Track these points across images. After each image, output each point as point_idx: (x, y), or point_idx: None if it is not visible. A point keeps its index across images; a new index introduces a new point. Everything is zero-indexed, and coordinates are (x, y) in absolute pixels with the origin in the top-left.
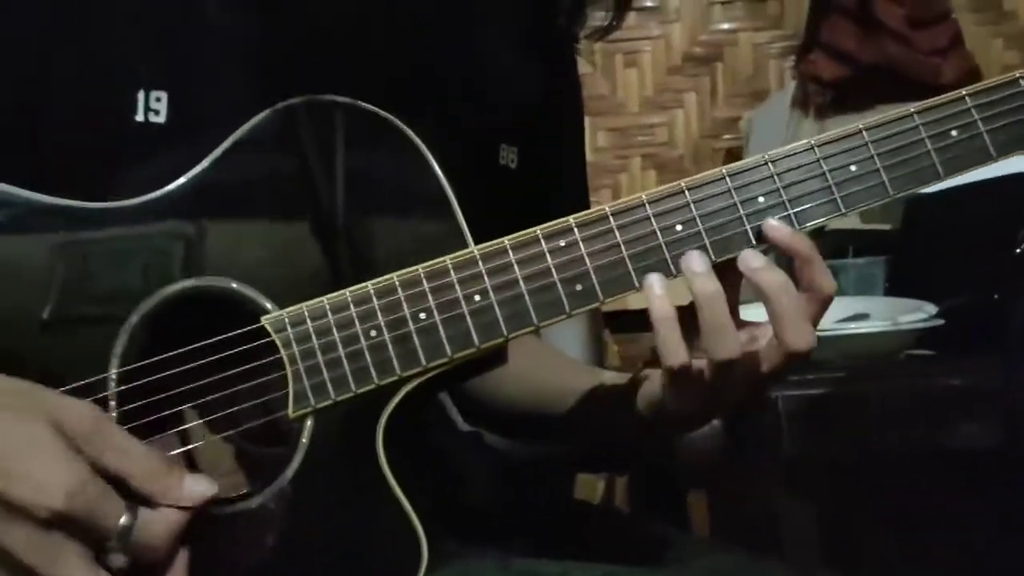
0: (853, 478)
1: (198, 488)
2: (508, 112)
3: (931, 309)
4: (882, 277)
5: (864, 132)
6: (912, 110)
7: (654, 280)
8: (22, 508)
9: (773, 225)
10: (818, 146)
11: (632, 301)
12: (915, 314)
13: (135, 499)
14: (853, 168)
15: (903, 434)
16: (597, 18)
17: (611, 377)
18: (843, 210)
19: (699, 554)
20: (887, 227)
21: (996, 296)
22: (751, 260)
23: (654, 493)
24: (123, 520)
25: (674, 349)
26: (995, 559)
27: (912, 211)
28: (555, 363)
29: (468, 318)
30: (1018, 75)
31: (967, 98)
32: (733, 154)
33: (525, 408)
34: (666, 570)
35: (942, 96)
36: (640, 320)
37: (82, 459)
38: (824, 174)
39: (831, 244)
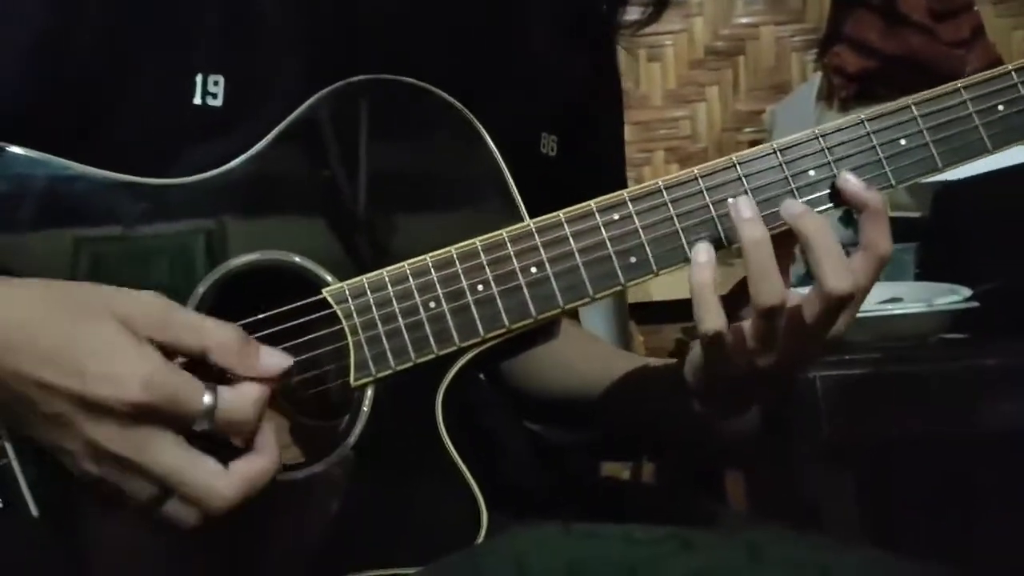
0: (889, 458)
1: (274, 360)
2: (550, 101)
3: (965, 292)
4: (912, 263)
5: (913, 107)
6: (959, 85)
7: (701, 248)
8: (104, 406)
9: (848, 178)
10: (868, 120)
11: (656, 293)
12: (949, 296)
13: (215, 379)
14: (903, 142)
15: (939, 414)
16: (633, 12)
17: (656, 362)
18: (893, 183)
19: (740, 526)
20: (917, 214)
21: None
22: (792, 207)
23: (689, 473)
24: (206, 399)
25: (709, 315)
26: None
27: (942, 198)
28: (599, 350)
29: (525, 289)
30: (1011, 68)
31: (1013, 73)
32: None
33: (571, 394)
34: (726, 537)
35: (988, 72)
36: (664, 311)
37: (152, 348)
38: (874, 147)
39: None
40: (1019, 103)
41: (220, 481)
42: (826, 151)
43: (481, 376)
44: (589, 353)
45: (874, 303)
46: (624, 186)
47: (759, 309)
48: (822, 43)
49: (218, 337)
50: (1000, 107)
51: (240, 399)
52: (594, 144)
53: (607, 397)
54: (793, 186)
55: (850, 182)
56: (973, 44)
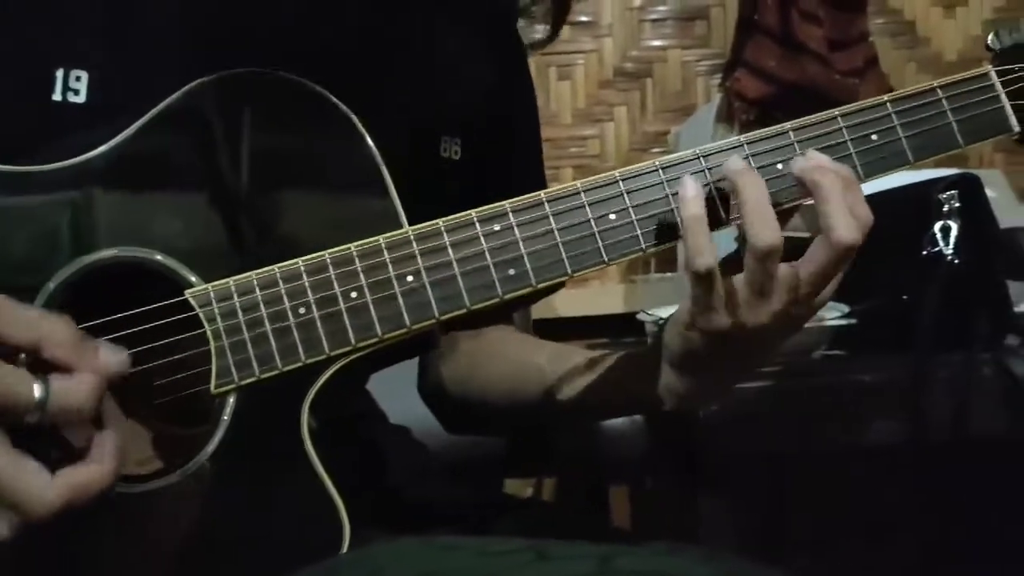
0: (771, 473)
1: (113, 357)
2: (451, 104)
3: (844, 309)
4: None
5: (792, 132)
6: (837, 113)
7: (688, 181)
8: None
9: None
10: (748, 143)
11: (561, 309)
12: (829, 313)
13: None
14: (779, 167)
15: (818, 430)
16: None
17: (609, 353)
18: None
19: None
20: (807, 235)
21: (905, 298)
22: (802, 161)
23: (579, 488)
24: (37, 391)
25: (702, 248)
26: (912, 550)
27: None
28: (546, 348)
29: (400, 298)
30: (936, 85)
31: (888, 104)
32: None
33: (528, 399)
34: (586, 545)
35: (866, 100)
36: (570, 328)
37: None
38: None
39: None
40: (892, 133)
41: (41, 485)
42: (706, 172)
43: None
44: (535, 351)
45: None
46: (541, 185)
47: (755, 253)
48: (725, 68)
49: (50, 331)
50: (874, 136)
51: (73, 387)
52: (505, 149)
53: (570, 393)
54: (675, 205)
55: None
56: (866, 74)
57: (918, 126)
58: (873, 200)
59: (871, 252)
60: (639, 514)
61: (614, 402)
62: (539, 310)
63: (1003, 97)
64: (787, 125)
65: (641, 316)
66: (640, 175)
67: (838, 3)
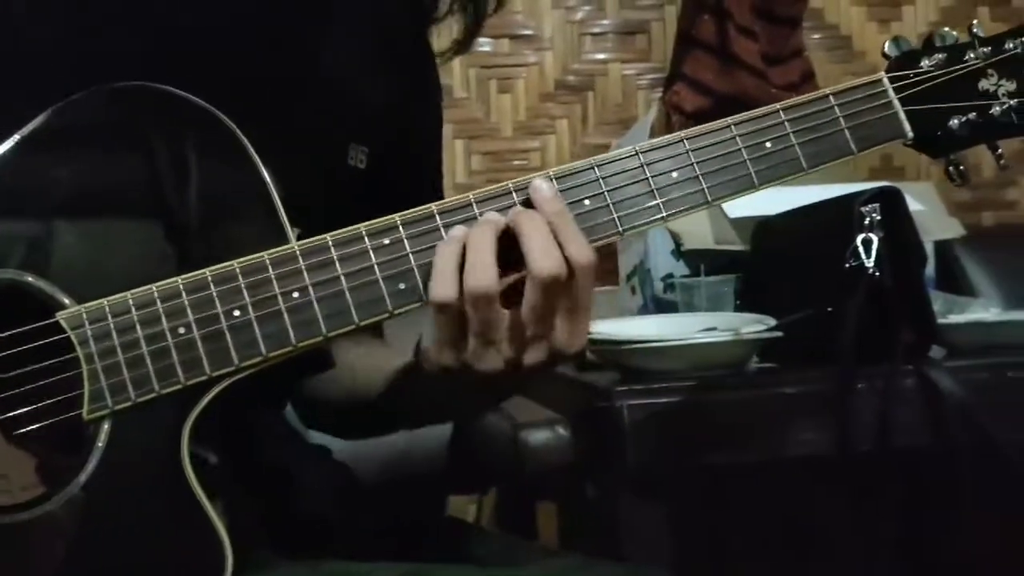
0: (698, 486)
1: None
2: (356, 113)
3: (771, 322)
4: (732, 294)
5: (686, 141)
6: (730, 122)
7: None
8: None
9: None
10: (642, 152)
11: None
12: (756, 326)
13: None
14: (675, 175)
15: (745, 442)
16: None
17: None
18: (664, 214)
19: (533, 559)
20: (740, 248)
21: (830, 310)
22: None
23: (508, 505)
24: None
25: (440, 279)
26: (840, 559)
27: (759, 232)
28: (384, 351)
29: (285, 315)
30: (828, 92)
31: (781, 112)
32: None
33: (367, 399)
34: (468, 568)
35: (760, 108)
36: None
37: None
38: (647, 179)
39: (689, 263)
40: (785, 141)
41: None
42: (600, 181)
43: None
44: (376, 355)
45: (689, 332)
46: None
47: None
48: (665, 81)
49: None
50: (768, 144)
51: None
52: (409, 157)
53: (399, 394)
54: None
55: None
56: (802, 88)
57: (811, 133)
58: (799, 214)
59: (797, 265)
60: (567, 530)
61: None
62: None
63: (896, 103)
64: (682, 134)
65: None
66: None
67: (774, 18)
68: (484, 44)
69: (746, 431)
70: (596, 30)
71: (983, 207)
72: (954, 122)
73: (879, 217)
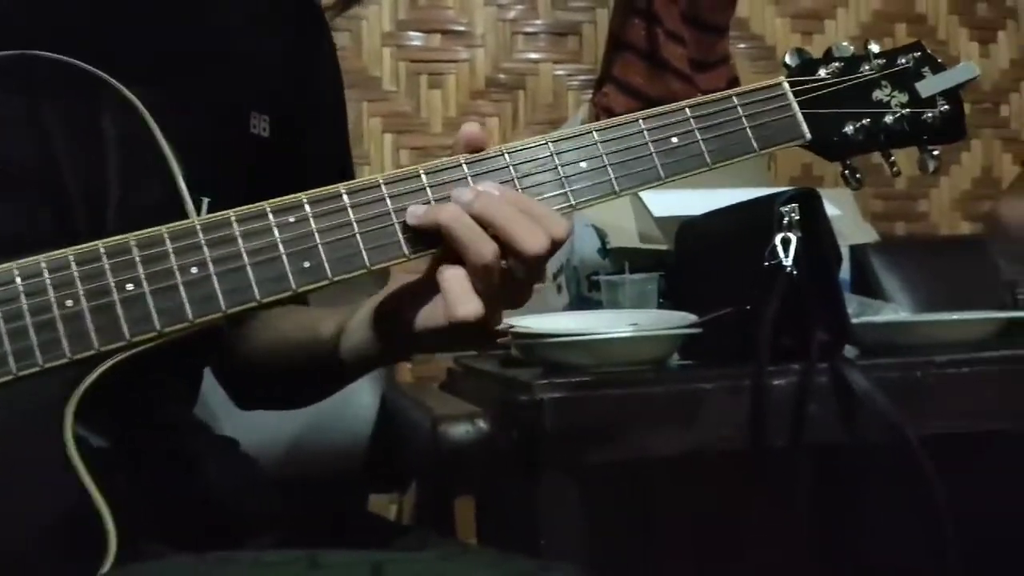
0: (615, 480)
1: None
2: (253, 79)
3: (692, 319)
4: (656, 292)
5: (595, 133)
6: (638, 116)
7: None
8: None
9: (413, 211)
10: (552, 141)
11: None
12: (677, 323)
13: None
14: (583, 165)
15: (663, 437)
16: None
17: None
18: (572, 202)
19: (424, 547)
20: (664, 247)
21: (748, 307)
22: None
23: (427, 502)
24: None
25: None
26: (755, 555)
27: (683, 232)
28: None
29: (182, 290)
30: (732, 93)
31: (687, 109)
32: None
33: (306, 364)
34: (364, 552)
35: (668, 105)
36: None
37: None
38: (557, 168)
39: (615, 261)
40: (690, 137)
41: None
42: (511, 168)
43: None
44: (300, 318)
45: (610, 328)
46: (349, 171)
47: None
48: (596, 83)
49: None
50: (674, 139)
51: None
52: (312, 126)
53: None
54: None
55: (415, 215)
56: None
57: (715, 131)
58: (721, 214)
59: (719, 264)
60: (485, 526)
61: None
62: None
63: (795, 106)
64: (592, 126)
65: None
66: (443, 170)
67: (701, 25)
68: (415, 38)
69: (664, 426)
70: (528, 29)
71: (896, 217)
72: (849, 128)
73: (798, 217)
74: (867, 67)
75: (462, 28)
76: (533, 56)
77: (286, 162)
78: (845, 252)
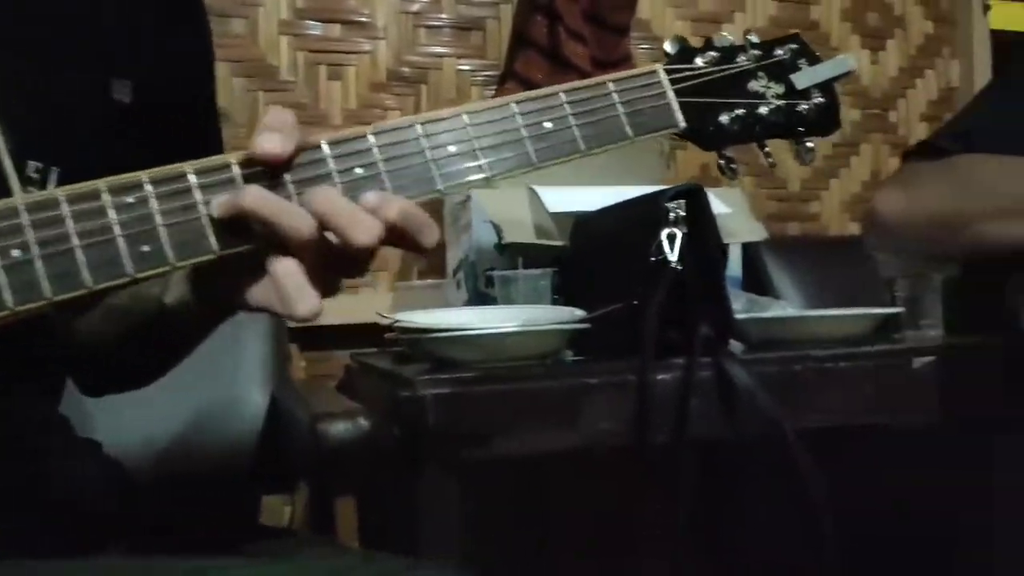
0: (501, 477)
1: None
2: (115, 43)
3: (580, 313)
4: (550, 288)
5: (465, 116)
6: (511, 100)
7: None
8: None
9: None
10: (421, 124)
11: (325, 316)
12: (565, 318)
13: None
14: (452, 148)
15: (546, 433)
16: None
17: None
18: (440, 188)
19: (298, 551)
20: (560, 243)
21: (636, 303)
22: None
23: (313, 504)
24: None
25: None
26: (642, 549)
27: (577, 227)
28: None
29: (2, 274)
30: (608, 79)
31: (562, 94)
32: None
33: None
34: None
35: (542, 90)
36: (332, 337)
37: None
38: (423, 151)
39: (510, 256)
40: (564, 122)
41: None
42: (375, 149)
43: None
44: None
45: (498, 323)
46: (216, 144)
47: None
48: (498, 79)
49: None
50: (547, 124)
51: None
52: (178, 95)
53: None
54: (339, 180)
55: (219, 205)
56: None
57: (589, 116)
58: (614, 210)
59: (610, 260)
60: (368, 527)
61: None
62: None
63: (670, 94)
64: (462, 108)
65: (381, 318)
66: (310, 148)
67: (603, 25)
68: (314, 27)
69: (549, 422)
70: (432, 23)
71: (789, 218)
72: (725, 118)
73: (684, 213)
74: (744, 58)
75: (364, 19)
76: (437, 50)
77: (149, 130)
78: (737, 251)
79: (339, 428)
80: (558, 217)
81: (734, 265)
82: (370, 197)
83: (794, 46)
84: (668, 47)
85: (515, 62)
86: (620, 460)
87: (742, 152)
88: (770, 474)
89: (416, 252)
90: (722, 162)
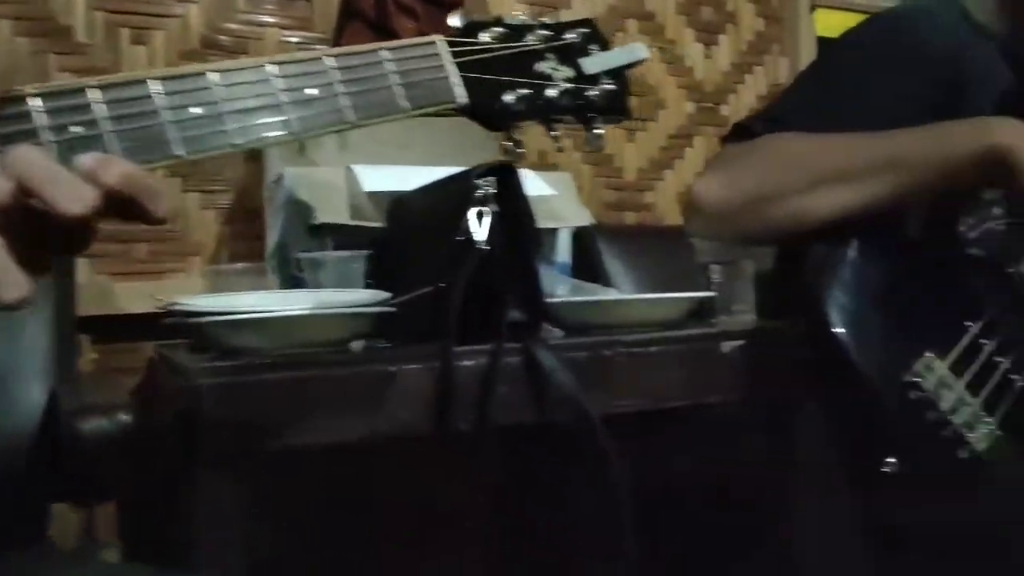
0: (291, 473)
1: None
2: None
3: (384, 297)
4: (362, 272)
5: (214, 75)
6: (265, 62)
7: None
8: None
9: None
10: (162, 80)
11: (129, 303)
12: (364, 302)
13: None
14: (199, 110)
15: (341, 423)
16: None
17: None
18: (183, 151)
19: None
20: (377, 224)
21: (443, 285)
22: None
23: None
24: None
25: None
26: (444, 540)
27: (393, 208)
28: None
29: None
30: (383, 47)
31: (331, 59)
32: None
33: None
34: None
35: (305, 53)
36: (139, 327)
37: None
38: (157, 111)
39: (324, 239)
40: (331, 90)
41: None
42: (100, 105)
43: None
44: None
45: (287, 307)
46: None
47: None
48: None
49: None
50: (311, 91)
51: None
52: None
53: None
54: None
55: None
56: None
57: (359, 85)
58: (429, 189)
59: (423, 241)
60: (130, 535)
61: None
62: (96, 304)
63: (449, 67)
64: (212, 66)
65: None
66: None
67: (434, 0)
68: None
69: (345, 412)
70: None
71: (626, 207)
72: (510, 97)
73: (494, 191)
74: (532, 38)
75: None
76: (258, 18)
77: None
78: (567, 236)
79: (91, 425)
80: (377, 197)
81: (563, 251)
82: (85, 160)
83: (586, 31)
84: (452, 20)
85: (342, 34)
86: (425, 449)
87: (578, 140)
88: (578, 459)
89: (146, 223)
90: (508, 144)
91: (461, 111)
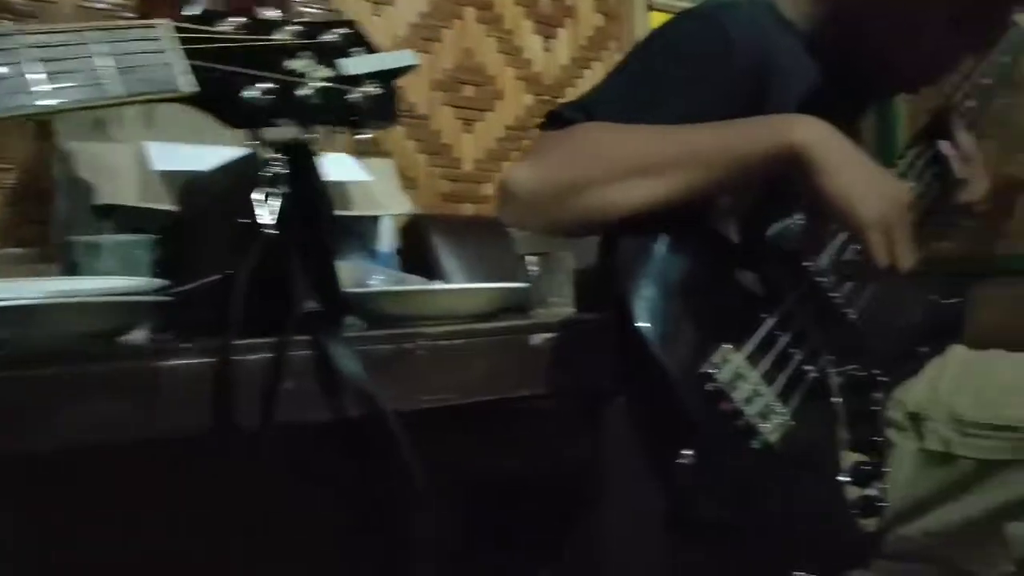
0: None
1: None
2: None
3: (161, 284)
4: (147, 257)
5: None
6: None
7: None
8: None
9: None
10: None
11: None
12: (130, 290)
13: None
14: None
15: (98, 425)
16: None
17: None
18: None
19: None
20: (171, 207)
21: (230, 272)
22: None
23: None
24: None
25: None
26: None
27: (185, 189)
28: None
29: None
30: (86, 28)
31: (23, 36)
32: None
33: None
34: None
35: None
36: None
37: None
38: None
39: (107, 221)
40: (19, 69)
41: None
42: None
43: None
44: None
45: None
46: None
47: None
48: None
49: None
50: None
51: None
52: None
53: None
54: None
55: None
56: None
57: (60, 66)
58: (223, 169)
59: (214, 225)
60: None
61: None
62: None
63: (173, 54)
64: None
65: None
66: None
67: None
68: None
69: (104, 412)
70: None
71: (463, 199)
72: (253, 92)
73: (286, 171)
74: (282, 34)
75: None
76: None
77: None
78: (390, 225)
79: None
80: (170, 177)
81: (386, 240)
82: None
83: (347, 31)
84: (188, 9)
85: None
86: (203, 450)
87: (416, 129)
88: (372, 453)
89: None
90: (256, 143)
91: (192, 102)
